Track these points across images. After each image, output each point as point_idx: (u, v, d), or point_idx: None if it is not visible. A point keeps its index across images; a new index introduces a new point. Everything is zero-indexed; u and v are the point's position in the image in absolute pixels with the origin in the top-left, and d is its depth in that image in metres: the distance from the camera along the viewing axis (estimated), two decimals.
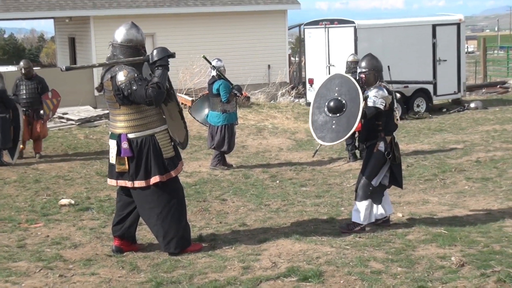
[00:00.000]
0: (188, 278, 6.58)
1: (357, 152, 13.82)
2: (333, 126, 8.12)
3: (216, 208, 10.09)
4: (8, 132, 13.97)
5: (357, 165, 13.34)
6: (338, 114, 8.10)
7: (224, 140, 13.23)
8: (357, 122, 7.99)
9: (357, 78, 8.51)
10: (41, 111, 14.68)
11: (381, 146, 8.31)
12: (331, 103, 8.15)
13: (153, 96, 7.11)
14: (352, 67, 14.00)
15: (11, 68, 27.52)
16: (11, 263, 7.30)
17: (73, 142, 17.06)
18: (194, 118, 14.00)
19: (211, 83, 13.35)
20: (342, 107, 8.09)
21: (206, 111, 13.52)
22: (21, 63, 15.09)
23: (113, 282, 6.58)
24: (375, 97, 8.20)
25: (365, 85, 8.40)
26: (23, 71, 14.76)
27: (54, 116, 18.43)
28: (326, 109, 8.19)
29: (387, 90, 8.37)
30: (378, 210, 8.55)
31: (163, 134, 7.47)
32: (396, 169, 8.49)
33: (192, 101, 22.75)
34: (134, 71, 7.24)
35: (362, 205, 8.28)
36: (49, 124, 19.32)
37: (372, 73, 8.39)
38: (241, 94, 13.49)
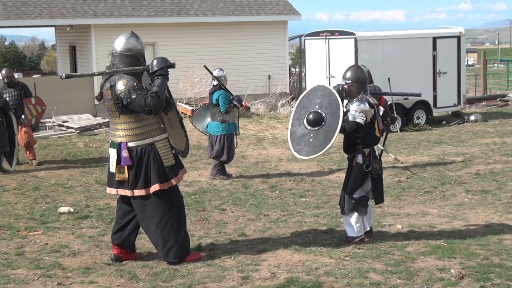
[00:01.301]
0: (186, 287, 6.57)
1: None
2: (311, 140, 8.02)
3: (215, 218, 10.08)
4: (4, 136, 13.99)
5: None
6: (316, 128, 8.01)
7: (223, 150, 13.23)
8: (335, 137, 7.89)
9: (341, 88, 8.39)
10: (22, 116, 14.61)
11: (359, 159, 8.25)
12: (311, 116, 8.07)
13: (152, 105, 7.12)
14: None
15: None
16: (10, 271, 7.29)
17: (73, 150, 17.06)
18: (195, 126, 14.00)
19: (211, 93, 13.36)
20: (321, 121, 8.00)
21: (208, 120, 13.52)
22: (3, 72, 15.04)
23: None
24: (355, 111, 8.10)
25: (348, 96, 8.29)
26: (5, 80, 14.73)
27: (51, 124, 18.47)
28: (305, 121, 8.11)
29: (369, 103, 8.28)
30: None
31: (164, 143, 7.47)
32: (375, 183, 8.40)
33: (193, 110, 22.82)
34: (133, 80, 7.25)
35: (351, 219, 8.24)
36: (49, 132, 19.42)
37: (355, 85, 8.26)
38: (241, 105, 13.48)
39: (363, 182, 8.32)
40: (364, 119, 8.13)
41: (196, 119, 13.89)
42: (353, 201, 8.22)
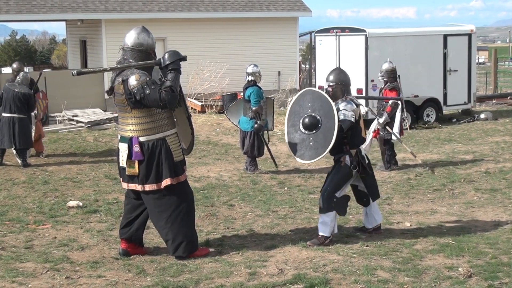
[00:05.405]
0: (194, 282, 6.58)
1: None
2: (311, 143, 8.03)
3: (223, 214, 10.09)
4: (29, 133, 14.16)
5: None
6: (314, 131, 8.02)
7: (254, 146, 13.31)
8: (334, 137, 7.87)
9: (325, 92, 8.35)
10: (35, 111, 14.75)
11: (347, 159, 8.21)
12: (306, 120, 8.07)
13: (167, 99, 7.13)
14: (386, 76, 13.84)
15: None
16: (18, 264, 7.32)
17: (82, 145, 17.11)
18: (229, 119, 14.22)
19: (245, 88, 13.44)
20: (317, 123, 8.01)
21: (241, 114, 13.64)
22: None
23: (120, 285, 6.58)
24: (345, 110, 8.11)
25: (332, 98, 8.25)
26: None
27: (61, 119, 18.62)
28: (301, 126, 8.10)
29: (355, 103, 8.30)
30: (369, 219, 8.58)
31: (174, 138, 7.48)
32: (369, 181, 8.42)
33: (202, 105, 22.86)
34: (146, 75, 7.25)
35: (328, 218, 8.12)
36: (59, 126, 19.48)
37: (339, 87, 8.32)
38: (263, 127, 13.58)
39: (347, 183, 8.29)
40: (354, 117, 8.14)
41: (230, 112, 13.95)
42: (334, 199, 8.13)
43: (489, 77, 34.64)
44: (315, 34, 23.54)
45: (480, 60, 62.49)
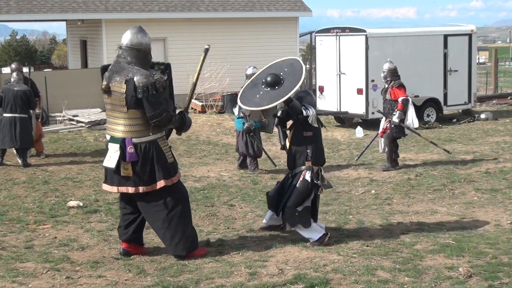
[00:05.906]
0: (194, 282, 6.58)
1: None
2: (258, 96, 8.24)
3: (224, 214, 10.09)
4: (30, 133, 14.17)
5: (366, 173, 13.32)
6: (268, 89, 8.22)
7: (247, 145, 13.36)
8: (284, 98, 7.97)
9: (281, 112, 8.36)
10: (37, 111, 14.77)
11: (308, 175, 8.12)
12: (269, 78, 8.25)
13: (164, 117, 7.23)
14: (389, 75, 13.80)
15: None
16: (19, 264, 7.32)
17: (83, 145, 17.11)
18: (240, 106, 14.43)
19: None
20: (278, 83, 8.19)
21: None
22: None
23: (120, 285, 6.58)
24: (301, 104, 8.20)
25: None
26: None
27: (62, 118, 18.63)
28: (263, 81, 8.31)
29: (317, 112, 8.38)
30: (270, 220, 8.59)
31: (163, 140, 7.47)
32: (314, 199, 8.28)
33: (202, 106, 22.88)
34: (152, 77, 7.24)
35: (303, 228, 8.09)
36: (59, 126, 19.48)
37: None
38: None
39: (308, 199, 8.17)
40: (309, 114, 8.13)
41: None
42: (296, 213, 8.06)
43: (489, 77, 34.64)
44: (316, 34, 23.52)
45: (481, 60, 62.46)
